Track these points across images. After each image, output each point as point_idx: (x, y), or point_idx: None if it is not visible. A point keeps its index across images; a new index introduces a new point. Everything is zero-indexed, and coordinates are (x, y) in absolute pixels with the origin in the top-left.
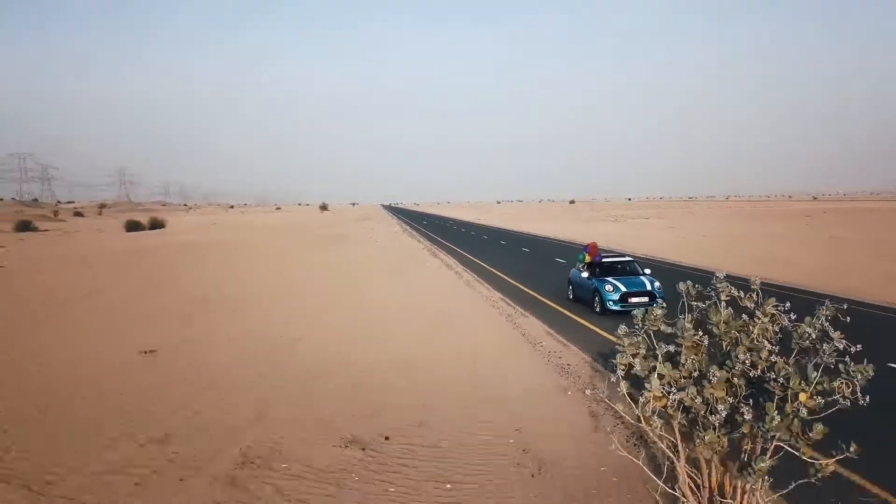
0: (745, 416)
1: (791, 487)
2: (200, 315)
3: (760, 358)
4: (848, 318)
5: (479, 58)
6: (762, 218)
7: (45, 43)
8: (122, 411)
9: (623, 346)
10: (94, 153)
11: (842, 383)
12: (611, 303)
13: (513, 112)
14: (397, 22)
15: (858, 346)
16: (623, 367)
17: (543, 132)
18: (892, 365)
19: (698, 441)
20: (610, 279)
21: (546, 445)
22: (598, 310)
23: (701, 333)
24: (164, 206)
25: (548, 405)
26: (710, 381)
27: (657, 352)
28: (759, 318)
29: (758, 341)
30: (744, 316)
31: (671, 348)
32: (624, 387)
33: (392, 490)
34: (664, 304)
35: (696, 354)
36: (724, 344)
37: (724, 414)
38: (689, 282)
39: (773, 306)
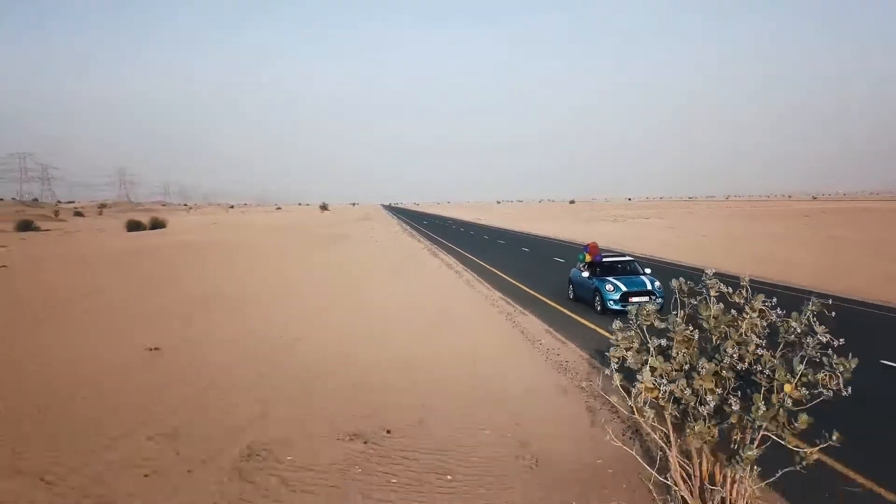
0: (733, 407)
1: (777, 475)
2: (201, 315)
3: (748, 351)
4: (833, 313)
5: (479, 58)
6: (762, 218)
7: (45, 43)
8: (124, 410)
9: (617, 341)
10: (94, 153)
11: (826, 375)
12: (611, 302)
13: (513, 112)
14: (397, 22)
15: (841, 339)
16: (617, 360)
17: (543, 132)
18: (885, 362)
19: (688, 431)
20: (610, 279)
21: (544, 439)
22: (598, 309)
23: (691, 328)
24: (165, 206)
25: (546, 401)
26: (699, 374)
27: (649, 345)
28: (748, 314)
29: (746, 335)
30: (732, 311)
31: (663, 342)
32: (617, 379)
33: (394, 481)
34: (661, 301)
35: (687, 348)
36: (714, 338)
37: (712, 405)
38: (681, 278)
39: (762, 302)
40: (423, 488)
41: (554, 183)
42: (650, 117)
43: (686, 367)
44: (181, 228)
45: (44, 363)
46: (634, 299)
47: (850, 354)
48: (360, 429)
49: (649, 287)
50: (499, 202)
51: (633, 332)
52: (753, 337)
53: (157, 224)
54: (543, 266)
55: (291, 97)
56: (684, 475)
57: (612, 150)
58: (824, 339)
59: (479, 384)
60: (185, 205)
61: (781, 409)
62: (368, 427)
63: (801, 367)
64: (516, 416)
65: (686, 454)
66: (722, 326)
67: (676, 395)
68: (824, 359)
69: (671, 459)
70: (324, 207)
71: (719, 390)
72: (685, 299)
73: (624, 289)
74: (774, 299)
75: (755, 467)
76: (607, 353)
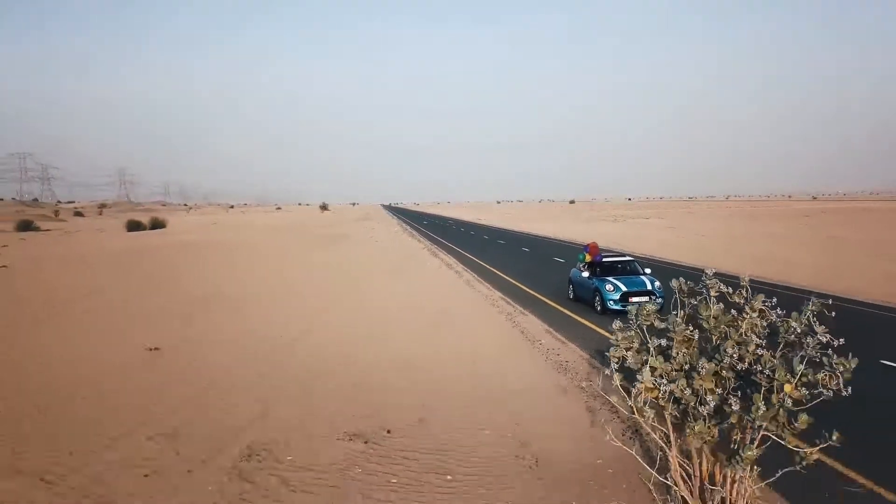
0: (733, 407)
1: (778, 475)
2: (201, 315)
3: (748, 351)
4: (833, 313)
5: (479, 58)
6: (762, 218)
7: (45, 43)
8: (124, 410)
9: (617, 341)
10: (94, 153)
11: (825, 375)
12: (611, 302)
13: (513, 112)
14: (397, 22)
15: (841, 339)
16: (616, 360)
17: (543, 132)
18: (884, 362)
19: (688, 431)
20: (611, 279)
21: (544, 439)
22: (598, 309)
23: (691, 328)
24: (165, 206)
25: (546, 401)
26: (699, 374)
27: (649, 345)
28: (748, 314)
29: (746, 335)
30: (732, 311)
31: (663, 342)
32: (617, 379)
33: (394, 481)
34: (661, 301)
35: (687, 348)
36: (714, 338)
37: (712, 405)
38: (681, 278)
39: (762, 302)
40: (423, 489)
41: (554, 183)
42: (650, 117)
43: (686, 367)
44: (181, 228)
45: (44, 363)
46: (634, 299)
47: (850, 354)
48: (360, 429)
49: (649, 287)
50: (499, 202)
51: (633, 332)
52: (753, 337)
53: (157, 224)
54: (543, 266)
55: (291, 97)
56: (684, 475)
57: (612, 150)
58: (824, 340)
59: (480, 384)
60: (185, 205)
61: (781, 409)
62: (368, 427)
63: (801, 367)
64: (516, 416)
65: (686, 454)
66: (722, 326)
67: (676, 395)
68: (824, 359)
69: (671, 459)
70: (324, 207)
71: (719, 390)
72: (685, 299)
73: (624, 289)
74: (774, 299)
75: (755, 467)
76: (607, 353)
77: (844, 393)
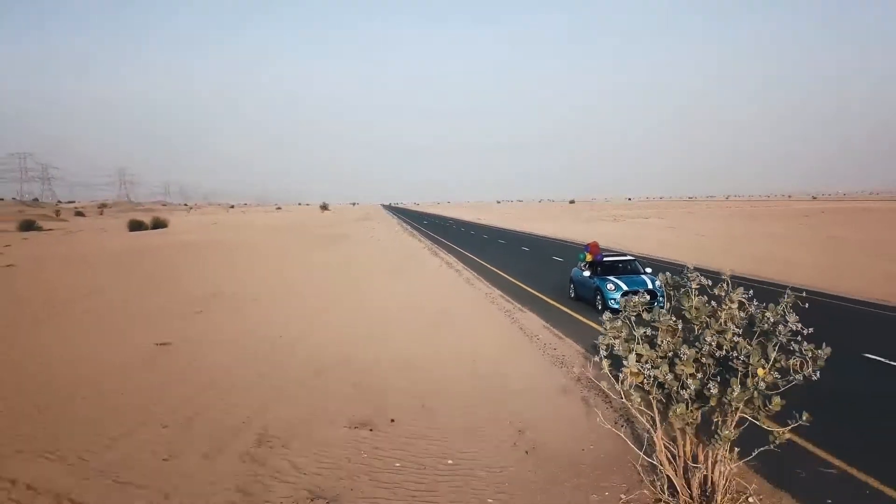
0: (712, 391)
1: (754, 454)
2: (201, 315)
3: (725, 339)
4: (806, 304)
5: (479, 58)
6: (762, 218)
7: (45, 43)
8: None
9: (606, 330)
10: (94, 153)
11: (796, 361)
12: (612, 301)
13: (513, 112)
14: (397, 22)
15: (810, 328)
16: (605, 347)
17: (543, 132)
18: (867, 355)
19: (671, 413)
20: (611, 278)
21: (540, 428)
22: (599, 308)
23: (675, 318)
24: (165, 206)
25: (542, 393)
26: (681, 360)
27: (635, 333)
28: (727, 305)
29: (724, 325)
30: (712, 303)
31: (648, 331)
32: (605, 365)
33: (398, 465)
34: (662, 300)
35: (671, 337)
36: (696, 327)
37: (693, 389)
38: (667, 273)
39: (740, 294)
40: (425, 471)
41: (554, 183)
42: (650, 117)
43: (670, 354)
44: (182, 228)
45: (44, 363)
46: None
47: (824, 344)
48: (365, 420)
49: (650, 286)
50: (499, 202)
51: (620, 322)
52: (731, 326)
53: (158, 224)
54: (542, 265)
55: (291, 97)
56: (669, 456)
57: (612, 150)
58: (795, 328)
59: (479, 382)
60: (186, 205)
61: (756, 393)
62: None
63: (775, 353)
64: (513, 405)
65: (671, 437)
66: (703, 317)
67: (660, 381)
68: (795, 346)
69: (657, 441)
70: (324, 207)
71: (700, 375)
72: (671, 292)
73: (625, 288)
74: (751, 291)
75: (734, 448)
76: (596, 341)
77: (814, 378)
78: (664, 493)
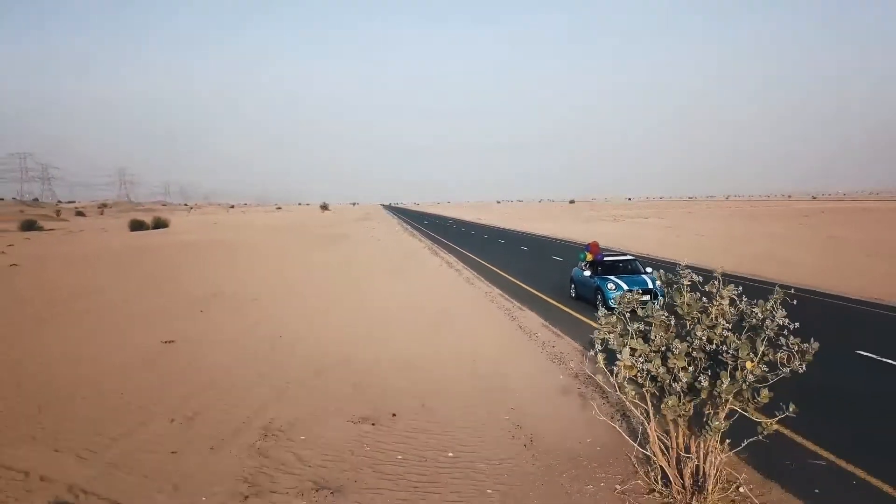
0: (702, 384)
1: (744, 445)
2: (201, 314)
3: (716, 334)
4: (794, 301)
5: (479, 58)
6: (762, 218)
7: (45, 43)
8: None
9: (601, 325)
10: (94, 153)
11: (783, 355)
12: (613, 301)
13: (513, 112)
14: (397, 22)
15: (796, 323)
16: (601, 341)
17: (543, 132)
18: (859, 352)
19: (663, 405)
20: (612, 277)
21: (538, 422)
22: (600, 307)
23: (667, 314)
24: (165, 206)
25: (541, 389)
26: (673, 353)
27: (629, 328)
28: (718, 301)
29: (715, 320)
30: (703, 299)
31: (641, 326)
32: (601, 358)
33: (400, 457)
34: (661, 298)
35: (664, 332)
36: (688, 323)
37: (685, 382)
38: (661, 270)
39: (732, 291)
40: (427, 463)
41: (554, 183)
42: (650, 117)
43: (663, 348)
44: (182, 228)
45: (44, 363)
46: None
47: (812, 339)
48: (367, 415)
49: (650, 286)
50: (499, 202)
51: (615, 318)
52: (722, 321)
53: (159, 223)
54: (541, 264)
55: (291, 97)
56: (662, 447)
57: (612, 150)
58: (781, 323)
59: (479, 381)
60: (186, 205)
61: (745, 385)
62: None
63: (763, 347)
64: (512, 401)
65: (665, 429)
66: (694, 312)
67: (653, 374)
68: (781, 340)
69: (650, 433)
70: (324, 207)
71: (691, 369)
72: (665, 289)
73: (625, 287)
74: (740, 288)
75: (726, 440)
76: (592, 336)
77: (801, 370)
78: (657, 483)
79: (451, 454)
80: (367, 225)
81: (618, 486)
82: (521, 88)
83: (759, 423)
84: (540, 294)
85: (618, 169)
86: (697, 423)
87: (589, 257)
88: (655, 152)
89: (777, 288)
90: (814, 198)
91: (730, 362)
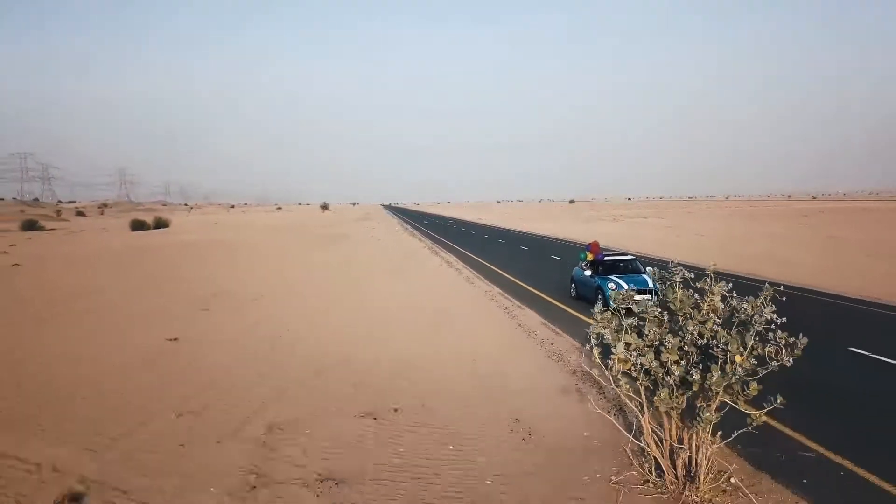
0: (694, 377)
1: (735, 436)
2: (202, 314)
3: (706, 329)
4: (784, 297)
5: (479, 58)
6: (761, 218)
7: (45, 43)
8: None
9: (596, 320)
10: (94, 153)
11: (772, 349)
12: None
13: (513, 112)
14: (397, 22)
15: (784, 318)
16: (596, 336)
17: (543, 132)
18: (852, 349)
19: (655, 398)
20: (613, 277)
21: (536, 417)
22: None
23: (660, 309)
24: (165, 206)
25: (539, 385)
26: (666, 348)
27: (624, 324)
28: (710, 297)
29: (707, 315)
30: (695, 295)
31: (635, 321)
32: (596, 353)
33: (402, 450)
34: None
35: (658, 327)
36: (681, 318)
37: (677, 375)
38: (655, 267)
39: (723, 287)
40: (429, 455)
41: (554, 183)
42: (650, 117)
43: (656, 343)
44: (183, 228)
45: (44, 363)
46: (637, 297)
47: (801, 335)
48: (369, 411)
49: (650, 285)
50: (499, 202)
51: (610, 314)
52: (713, 317)
53: (160, 223)
54: (541, 264)
55: (291, 97)
56: (656, 439)
57: (612, 150)
58: (769, 318)
59: (480, 380)
60: (186, 204)
61: (735, 378)
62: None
63: (752, 341)
64: (511, 397)
65: (659, 422)
66: (686, 308)
67: (646, 368)
68: (770, 334)
69: (644, 425)
70: (324, 207)
71: (683, 362)
72: (659, 285)
73: (626, 287)
74: (731, 284)
75: (717, 432)
76: (587, 331)
77: (788, 364)
78: (651, 474)
79: (451, 447)
80: (367, 225)
81: (613, 477)
82: (521, 88)
83: (749, 415)
84: (539, 293)
85: (618, 169)
86: (690, 416)
87: (589, 257)
88: (655, 152)
89: (767, 285)
90: (814, 198)
91: (720, 356)
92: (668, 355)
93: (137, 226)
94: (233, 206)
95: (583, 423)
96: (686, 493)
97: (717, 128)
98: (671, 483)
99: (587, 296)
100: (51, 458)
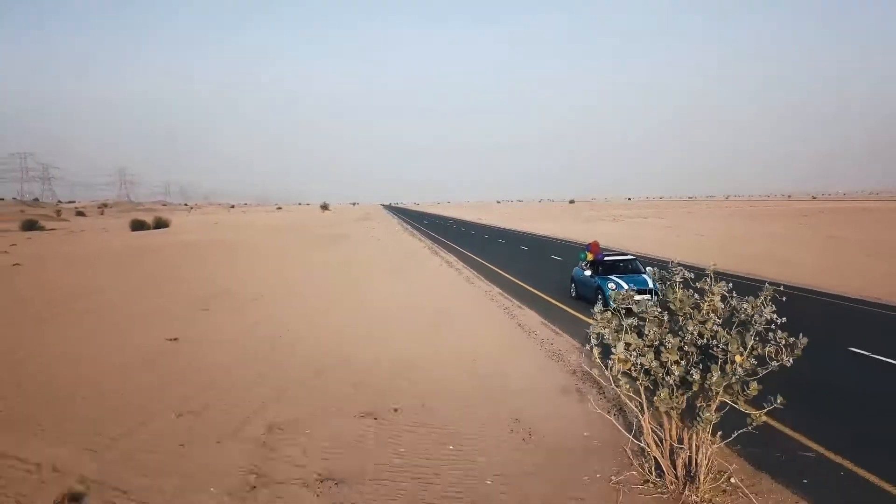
0: (694, 377)
1: (734, 436)
2: (202, 314)
3: (706, 329)
4: (784, 298)
5: (479, 58)
6: (761, 218)
7: (45, 43)
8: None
9: (596, 320)
10: (94, 153)
11: (771, 349)
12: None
13: (513, 112)
14: (397, 22)
15: (784, 318)
16: (596, 335)
17: (543, 132)
18: (852, 349)
19: (655, 398)
20: (613, 277)
21: (536, 417)
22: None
23: (660, 309)
24: (165, 206)
25: (539, 385)
26: (666, 348)
27: (623, 324)
28: (709, 297)
29: (707, 315)
30: (695, 295)
31: (635, 321)
32: (596, 353)
33: (402, 450)
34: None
35: (658, 327)
36: (681, 318)
37: (677, 375)
38: (655, 267)
39: (723, 287)
40: (429, 455)
41: (554, 183)
42: (650, 117)
43: (656, 343)
44: (183, 228)
45: (44, 363)
46: (637, 297)
47: (801, 335)
48: (369, 411)
49: (651, 285)
50: (499, 202)
51: (610, 313)
52: (713, 317)
53: (160, 223)
54: (540, 263)
55: (291, 97)
56: (656, 439)
57: (612, 150)
58: (769, 318)
59: (480, 380)
60: (186, 204)
61: (735, 378)
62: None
63: (752, 341)
64: (511, 397)
65: (659, 422)
66: (686, 308)
67: (647, 368)
68: (770, 334)
69: (644, 425)
70: (324, 207)
71: (683, 362)
72: (658, 285)
73: (626, 287)
74: (730, 284)
75: (717, 432)
76: (587, 330)
77: (788, 364)
78: (651, 474)
79: (451, 447)
80: (367, 225)
81: (613, 477)
82: (521, 88)
83: (749, 415)
84: (539, 293)
85: (618, 169)
86: (690, 416)
87: (589, 257)
88: (655, 152)
89: (767, 285)
90: (814, 198)
91: (720, 356)
92: (668, 355)
93: (137, 226)
94: (233, 206)
95: (583, 423)
96: (686, 493)
97: (717, 128)
98: (671, 483)
99: (587, 296)
100: (51, 458)
